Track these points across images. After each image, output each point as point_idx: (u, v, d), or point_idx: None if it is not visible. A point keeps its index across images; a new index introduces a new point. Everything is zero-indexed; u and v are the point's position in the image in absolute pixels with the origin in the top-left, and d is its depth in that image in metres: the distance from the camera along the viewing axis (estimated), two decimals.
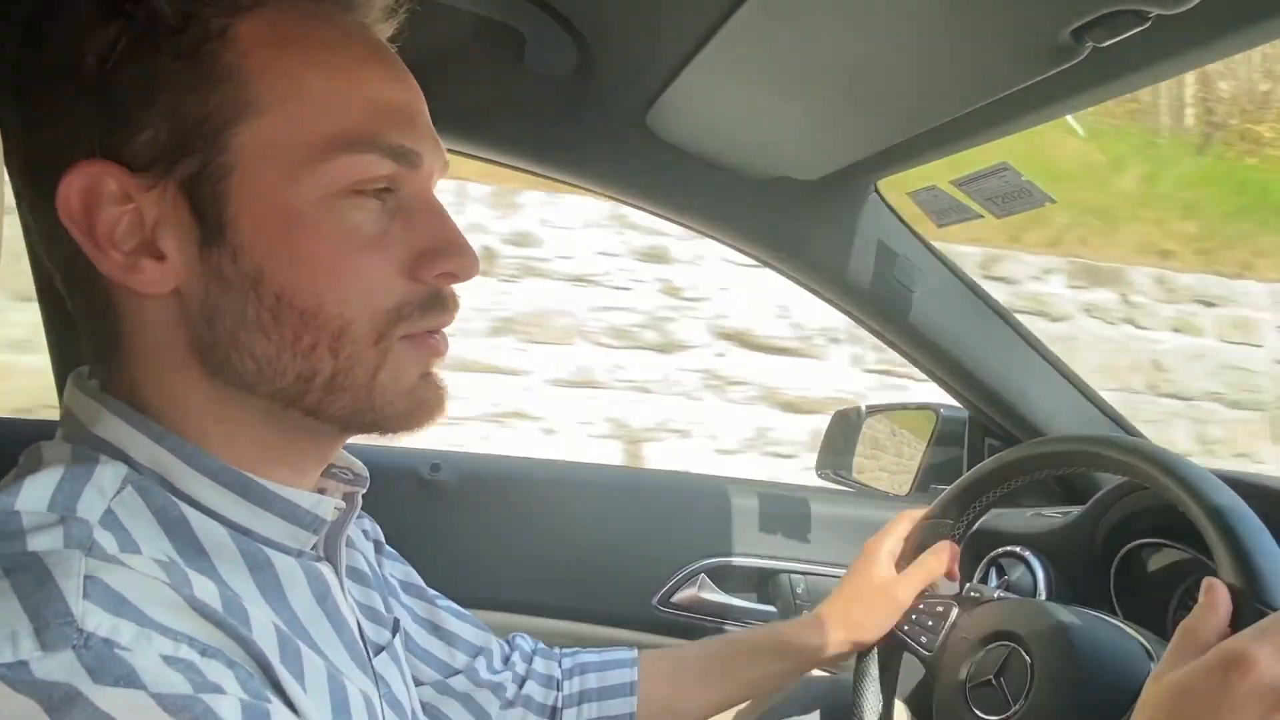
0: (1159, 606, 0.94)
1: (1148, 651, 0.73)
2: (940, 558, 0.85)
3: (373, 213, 0.49)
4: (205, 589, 0.43)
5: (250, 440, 0.50)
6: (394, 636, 0.64)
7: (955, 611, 0.82)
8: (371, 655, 0.57)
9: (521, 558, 1.19)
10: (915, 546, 0.87)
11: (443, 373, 0.54)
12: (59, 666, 0.35)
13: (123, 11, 0.45)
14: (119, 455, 0.47)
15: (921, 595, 0.84)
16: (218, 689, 0.38)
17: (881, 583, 0.84)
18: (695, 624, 1.19)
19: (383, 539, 0.73)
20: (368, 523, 0.72)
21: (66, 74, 0.45)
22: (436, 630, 0.74)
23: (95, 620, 0.37)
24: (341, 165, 0.47)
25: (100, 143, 0.45)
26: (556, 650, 0.83)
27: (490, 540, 1.19)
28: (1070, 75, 0.63)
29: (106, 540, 0.41)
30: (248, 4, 0.47)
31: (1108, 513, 0.98)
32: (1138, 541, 0.95)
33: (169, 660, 0.38)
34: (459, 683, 0.74)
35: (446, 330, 0.54)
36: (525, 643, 0.82)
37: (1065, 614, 0.76)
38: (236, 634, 0.42)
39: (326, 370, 0.48)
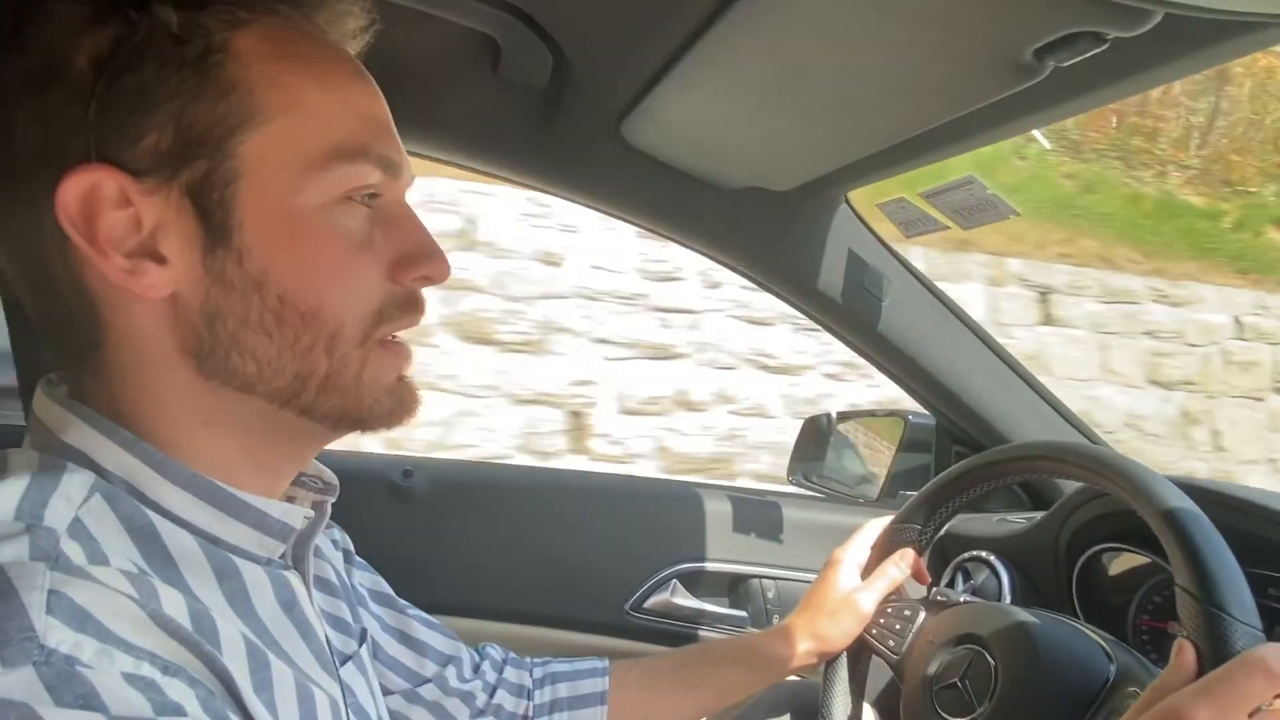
0: (1119, 609, 0.96)
1: (1107, 653, 0.74)
2: (902, 565, 0.86)
3: (362, 219, 0.51)
4: (173, 602, 0.43)
5: (233, 444, 0.51)
6: (360, 646, 0.64)
7: (922, 615, 0.84)
8: (338, 664, 0.57)
9: (493, 564, 1.19)
10: (881, 554, 0.88)
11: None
12: (18, 683, 0.35)
13: (122, 17, 0.45)
14: (87, 463, 0.47)
15: (888, 600, 0.86)
16: (178, 710, 0.38)
17: (846, 592, 0.86)
18: (667, 629, 1.20)
19: (352, 549, 0.73)
20: (337, 532, 0.72)
21: (53, 78, 0.45)
22: (406, 639, 0.74)
23: (57, 636, 0.37)
24: (340, 174, 0.49)
25: (95, 147, 0.45)
26: (528, 659, 0.84)
27: (462, 546, 1.19)
28: (1033, 93, 0.65)
29: (74, 550, 0.41)
30: (245, 18, 0.48)
31: (1070, 518, 1.00)
32: (1099, 546, 0.97)
33: (130, 678, 0.38)
34: (428, 691, 0.74)
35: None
36: (496, 652, 0.83)
37: (1027, 617, 0.78)
38: (200, 651, 0.42)
39: (322, 370, 0.50)
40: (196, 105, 0.46)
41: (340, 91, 0.51)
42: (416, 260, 0.53)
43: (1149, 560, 0.93)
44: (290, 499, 0.58)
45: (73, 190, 0.45)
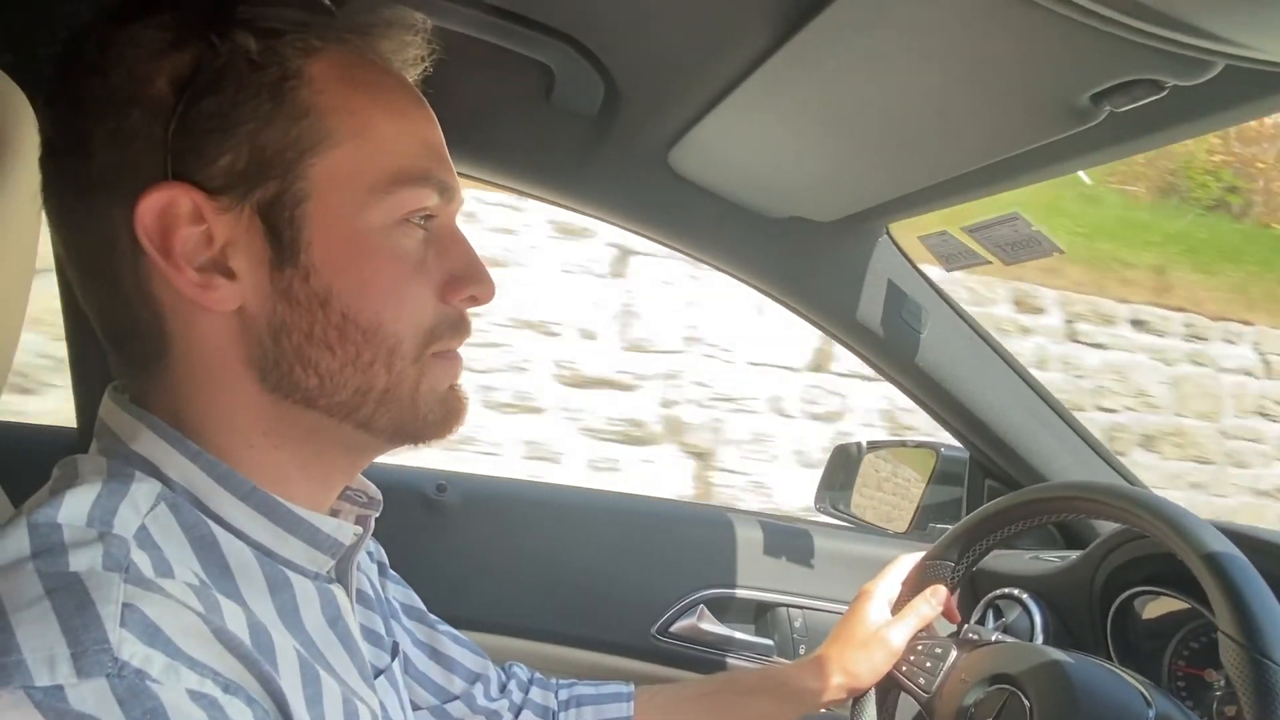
0: (1155, 654, 0.95)
1: (1145, 698, 0.74)
2: (934, 602, 0.85)
3: (418, 240, 0.53)
4: (234, 616, 0.44)
5: (289, 456, 0.52)
6: (393, 660, 0.64)
7: (954, 653, 0.83)
8: (371, 678, 0.58)
9: (522, 581, 1.20)
10: (912, 590, 0.87)
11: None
12: (92, 694, 0.36)
13: (203, 42, 0.47)
14: (153, 471, 0.48)
15: (918, 637, 0.85)
16: None
17: (876, 627, 0.85)
18: (693, 655, 1.20)
19: (386, 561, 0.74)
20: (372, 545, 0.73)
21: (134, 99, 0.47)
22: (435, 655, 0.75)
23: (130, 649, 0.38)
24: (402, 197, 0.51)
25: (172, 166, 0.47)
26: (553, 680, 0.84)
27: (492, 562, 1.20)
28: (1085, 135, 0.65)
29: (142, 560, 0.42)
30: (317, 46, 0.49)
31: (1106, 559, 0.99)
32: (1135, 589, 0.96)
33: (194, 695, 0.38)
34: (456, 708, 0.74)
35: None
36: (522, 671, 0.83)
37: (1063, 657, 0.77)
38: (259, 670, 0.43)
39: (381, 384, 0.51)
40: (271, 128, 0.48)
41: (403, 118, 0.53)
42: (465, 282, 0.54)
43: (1187, 605, 0.92)
44: (335, 512, 0.60)
45: (151, 206, 0.46)
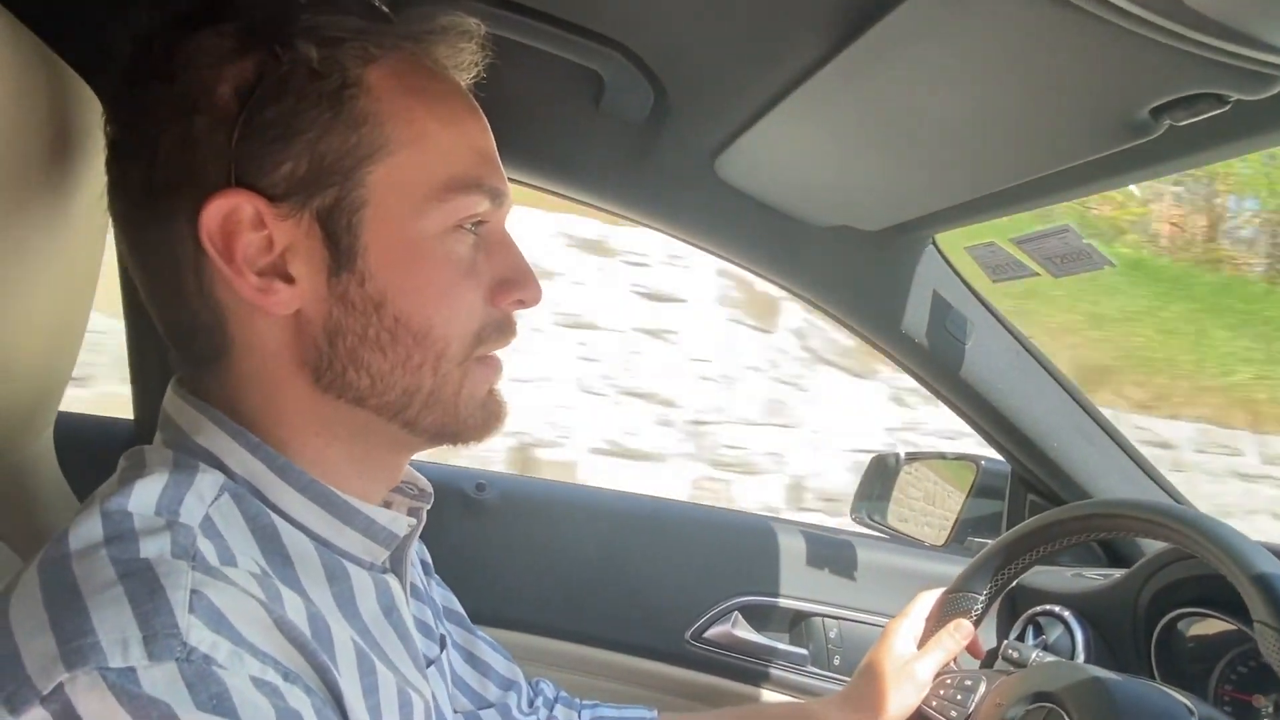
0: (1201, 677, 0.93)
1: (1190, 709, 0.72)
2: (957, 636, 0.85)
3: (469, 245, 0.54)
4: (294, 605, 0.45)
5: (341, 452, 0.54)
6: (441, 651, 0.66)
7: (983, 685, 0.82)
8: (425, 667, 0.59)
9: (558, 582, 1.21)
10: (936, 624, 0.87)
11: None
12: (163, 677, 0.37)
13: (266, 50, 0.48)
14: (216, 463, 0.50)
15: (946, 671, 0.84)
16: (296, 716, 0.40)
17: (902, 662, 0.84)
18: (726, 661, 1.20)
19: (430, 561, 0.76)
20: (418, 544, 0.74)
21: (199, 106, 0.48)
22: (471, 659, 0.76)
23: (198, 635, 0.39)
24: (456, 204, 0.52)
25: (235, 171, 0.48)
26: (577, 700, 0.84)
27: (528, 562, 1.21)
28: (1142, 149, 0.64)
29: (207, 549, 0.44)
30: (376, 54, 0.51)
31: (1151, 579, 0.97)
32: (1182, 610, 0.94)
33: (257, 682, 0.40)
34: (489, 716, 0.75)
35: None
36: (548, 689, 0.83)
37: (1104, 673, 0.76)
38: (317, 661, 0.44)
39: (427, 386, 0.53)
40: (331, 136, 0.49)
41: (458, 126, 0.54)
42: (513, 285, 0.56)
43: (1235, 628, 0.90)
44: (387, 505, 0.61)
45: (215, 212, 0.48)
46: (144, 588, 0.40)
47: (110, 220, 0.53)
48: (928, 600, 0.89)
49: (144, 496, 0.45)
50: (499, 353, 0.58)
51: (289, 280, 0.50)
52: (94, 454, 0.57)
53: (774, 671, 1.20)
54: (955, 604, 0.87)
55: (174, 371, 0.56)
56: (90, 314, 0.69)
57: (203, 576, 0.41)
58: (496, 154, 0.56)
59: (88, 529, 0.43)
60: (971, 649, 0.86)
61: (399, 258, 0.51)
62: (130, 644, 0.38)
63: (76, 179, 0.57)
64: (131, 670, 0.37)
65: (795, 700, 1.17)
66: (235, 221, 0.48)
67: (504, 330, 0.56)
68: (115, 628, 0.38)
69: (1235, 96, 0.54)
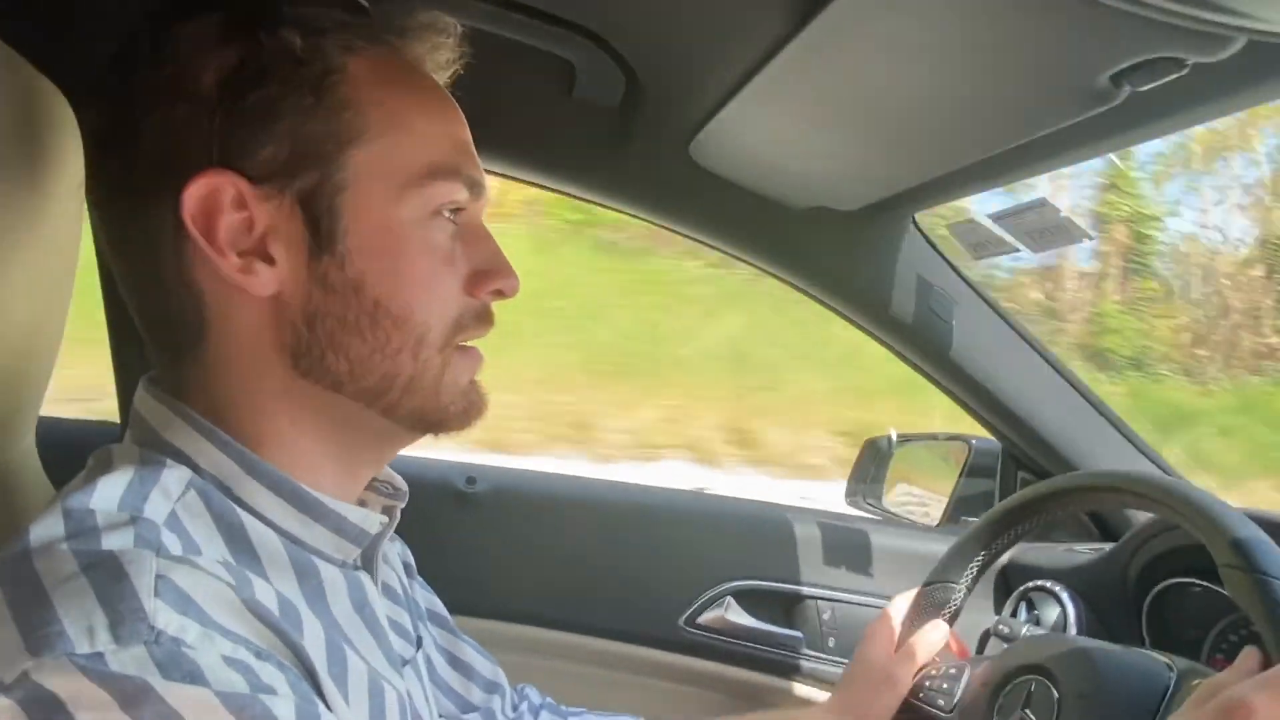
0: (1192, 646, 0.93)
1: (1168, 664, 0.72)
2: (934, 635, 0.84)
3: (448, 234, 0.54)
4: (264, 590, 0.46)
5: (317, 443, 0.53)
6: (417, 651, 0.65)
7: (968, 671, 0.81)
8: (400, 664, 0.59)
9: (551, 572, 1.21)
10: (912, 623, 0.85)
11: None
12: (131, 660, 0.37)
13: (250, 38, 0.49)
14: (184, 459, 0.50)
15: (930, 664, 0.83)
16: (272, 690, 0.40)
17: (881, 666, 0.84)
18: (721, 646, 1.20)
19: (413, 563, 0.75)
20: (399, 545, 0.73)
21: (183, 92, 0.49)
22: (455, 661, 0.75)
23: (165, 618, 0.39)
24: (436, 190, 0.53)
25: (217, 155, 0.49)
26: (563, 708, 0.84)
27: (521, 554, 1.21)
28: (1108, 117, 0.64)
29: (171, 542, 0.44)
30: (358, 46, 0.52)
31: (1140, 550, 0.97)
32: (1171, 580, 0.94)
33: (228, 661, 0.40)
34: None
35: None
36: (534, 695, 0.83)
37: (1089, 643, 0.76)
38: (289, 639, 0.44)
39: (407, 372, 0.53)
40: (313, 121, 0.50)
41: (437, 116, 0.55)
42: (491, 275, 0.56)
43: (1225, 596, 0.90)
44: (362, 503, 0.61)
45: (197, 192, 0.48)
46: (107, 575, 0.40)
47: (86, 217, 0.53)
48: (901, 603, 0.88)
49: (107, 493, 0.45)
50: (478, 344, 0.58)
51: (269, 261, 0.50)
52: (79, 457, 0.57)
53: (769, 655, 1.20)
54: (932, 596, 0.86)
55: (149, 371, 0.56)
56: (68, 316, 0.69)
57: (168, 562, 0.41)
58: (473, 147, 0.57)
59: (48, 526, 0.43)
60: (956, 650, 0.85)
61: (379, 241, 0.51)
62: (96, 630, 0.38)
63: (45, 177, 0.57)
64: (99, 655, 0.37)
65: (785, 713, 1.16)
66: (216, 202, 0.49)
67: (482, 319, 0.56)
68: (80, 615, 0.38)
69: (1192, 59, 0.54)
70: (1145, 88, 0.58)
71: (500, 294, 0.57)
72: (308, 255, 0.50)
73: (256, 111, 0.49)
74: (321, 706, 0.43)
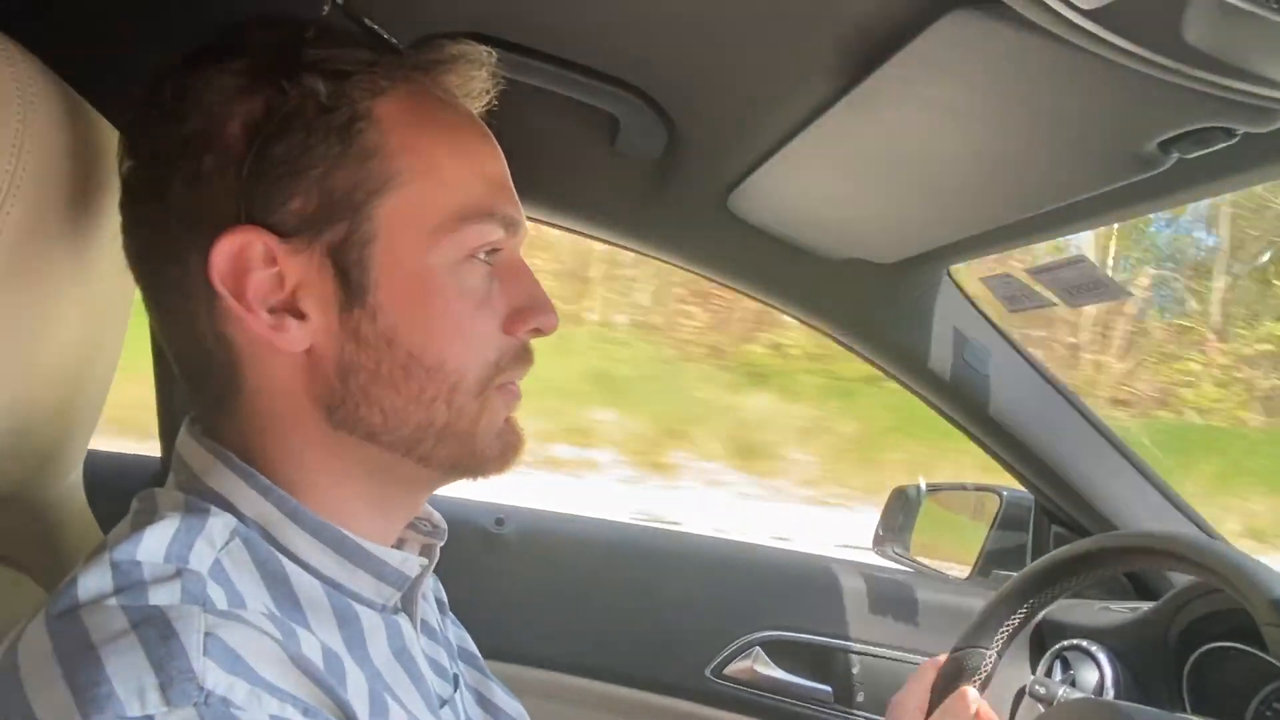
0: (1235, 713, 0.91)
1: None
2: (964, 703, 0.79)
3: (483, 275, 0.53)
4: (309, 643, 0.45)
5: (354, 491, 0.53)
6: (455, 691, 0.65)
7: None
8: (437, 707, 0.58)
9: (577, 617, 1.20)
10: (941, 691, 0.82)
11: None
12: None
13: (274, 86, 0.48)
14: (227, 506, 0.49)
15: None
16: None
17: None
18: (749, 698, 1.18)
19: (445, 599, 0.74)
20: (433, 582, 0.73)
21: (209, 145, 0.48)
22: (483, 701, 0.73)
23: (214, 678, 0.39)
24: (468, 234, 0.52)
25: (245, 209, 0.48)
26: None
27: (547, 597, 1.21)
28: (1153, 181, 0.65)
29: (216, 594, 0.43)
30: (385, 86, 0.51)
31: (1181, 611, 0.96)
32: (1215, 644, 0.92)
33: None
34: None
35: None
36: None
37: (1128, 707, 0.74)
38: (334, 694, 0.43)
39: (441, 419, 0.52)
40: (340, 171, 0.49)
41: (468, 154, 0.53)
42: (529, 314, 0.55)
43: (1270, 662, 0.88)
44: (400, 541, 0.61)
45: (225, 250, 0.48)
46: (157, 634, 0.39)
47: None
48: (928, 671, 0.84)
49: (153, 544, 0.45)
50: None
51: (300, 317, 0.49)
52: (122, 491, 0.58)
53: (797, 709, 1.18)
54: (962, 662, 0.83)
55: (190, 411, 0.56)
56: (120, 352, 0.70)
57: (216, 619, 0.41)
58: (509, 180, 0.56)
59: (97, 579, 0.42)
60: (984, 715, 0.81)
61: (410, 291, 0.50)
62: (147, 691, 0.37)
63: (101, 213, 0.58)
64: (150, 718, 0.37)
65: None
66: (245, 259, 0.48)
67: (521, 359, 0.55)
68: (131, 676, 0.38)
69: (1242, 130, 0.54)
70: (1193, 155, 0.58)
71: (539, 331, 0.56)
72: (339, 309, 0.50)
73: (283, 163, 0.48)
74: None
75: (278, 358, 0.50)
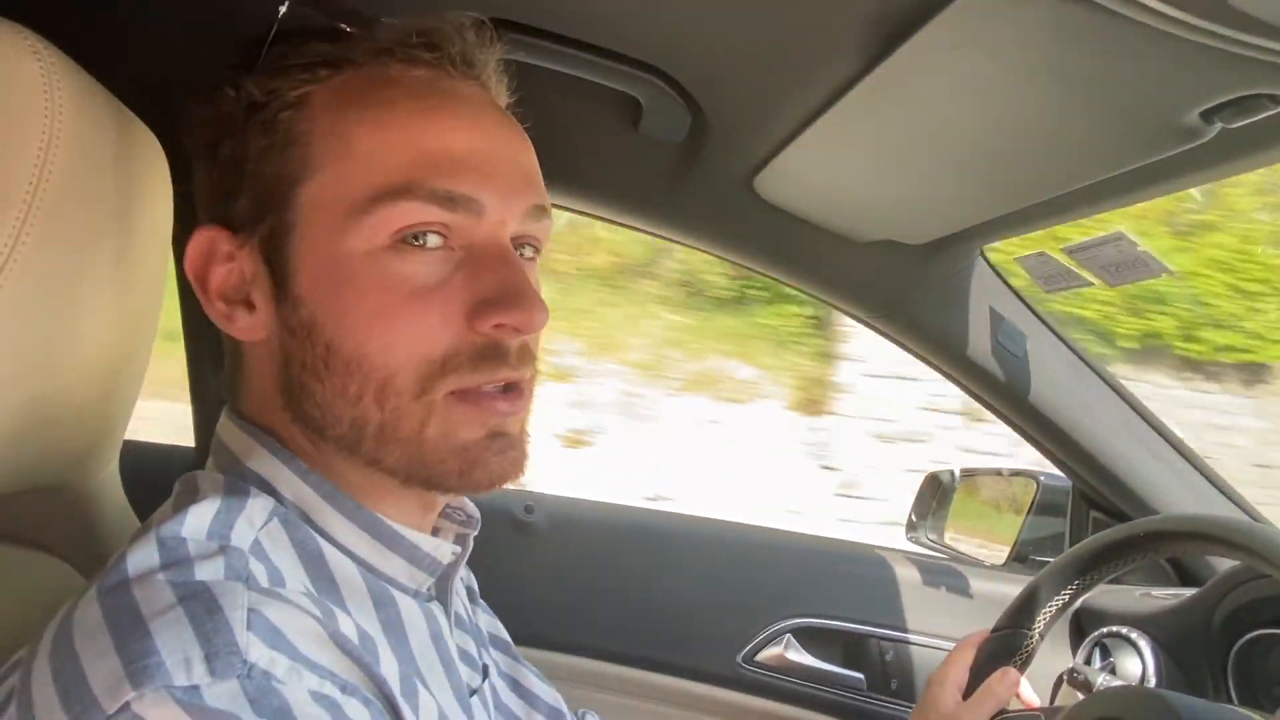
0: None
1: None
2: (1005, 684, 0.79)
3: (425, 263, 0.49)
4: (345, 622, 0.46)
5: (360, 479, 0.53)
6: (484, 681, 0.65)
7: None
8: (467, 697, 0.58)
9: (607, 604, 1.20)
10: (981, 671, 0.81)
11: (527, 433, 0.53)
12: (225, 693, 0.38)
13: (228, 94, 0.52)
14: (266, 488, 0.51)
15: (1003, 714, 0.79)
16: None
17: (949, 713, 0.79)
18: (780, 685, 1.18)
19: (476, 588, 0.75)
20: (464, 570, 0.74)
21: (199, 153, 0.53)
22: (517, 687, 0.74)
23: (257, 652, 0.40)
24: (384, 214, 0.48)
25: (212, 210, 0.53)
26: None
27: (577, 584, 1.21)
28: (1194, 153, 0.62)
29: (258, 571, 0.45)
30: (324, 75, 0.51)
31: (1226, 598, 0.93)
32: (1259, 631, 0.90)
33: (315, 696, 0.40)
34: None
35: None
36: None
37: (1171, 695, 0.72)
38: (371, 672, 0.44)
39: (375, 420, 0.49)
40: (266, 163, 0.51)
41: (396, 128, 0.49)
42: (494, 307, 0.49)
43: None
44: (435, 530, 0.61)
45: (194, 247, 0.52)
46: (203, 608, 0.41)
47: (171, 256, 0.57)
48: (969, 649, 0.84)
49: (197, 522, 0.46)
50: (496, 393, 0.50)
51: (251, 308, 0.52)
52: (157, 479, 0.59)
53: (829, 696, 1.17)
54: (1003, 644, 0.82)
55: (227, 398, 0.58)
56: (152, 347, 0.71)
57: (258, 595, 0.42)
58: (477, 155, 0.50)
59: (145, 555, 0.44)
60: (1024, 697, 0.81)
61: (325, 280, 0.49)
62: (193, 662, 0.38)
63: (136, 214, 0.60)
64: (196, 688, 0.38)
65: None
66: (210, 255, 0.52)
67: (487, 358, 0.49)
68: (178, 648, 0.39)
69: None
70: (1237, 125, 0.56)
71: (512, 329, 0.49)
72: (275, 300, 0.51)
73: (228, 163, 0.51)
74: None
75: (254, 347, 0.53)
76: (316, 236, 0.49)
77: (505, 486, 0.52)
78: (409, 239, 0.48)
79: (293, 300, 0.50)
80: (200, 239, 0.52)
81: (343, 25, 0.54)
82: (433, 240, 0.49)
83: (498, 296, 0.49)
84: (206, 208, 0.53)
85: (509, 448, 0.51)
